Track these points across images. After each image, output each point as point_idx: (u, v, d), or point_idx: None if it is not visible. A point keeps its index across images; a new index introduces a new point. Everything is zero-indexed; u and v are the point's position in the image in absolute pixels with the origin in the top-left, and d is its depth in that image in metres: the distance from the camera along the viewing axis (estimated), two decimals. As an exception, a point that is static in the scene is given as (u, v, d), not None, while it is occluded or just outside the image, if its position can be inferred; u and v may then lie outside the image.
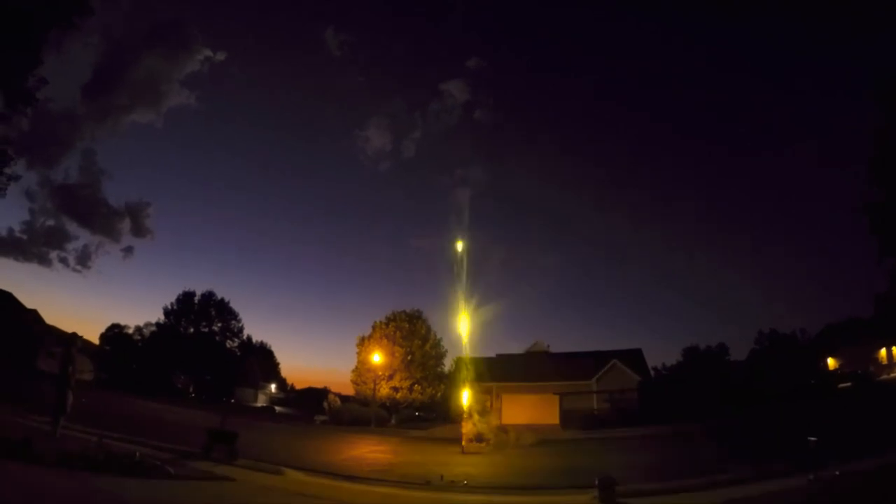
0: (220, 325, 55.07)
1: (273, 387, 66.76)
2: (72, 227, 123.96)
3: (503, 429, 28.80)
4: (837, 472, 10.11)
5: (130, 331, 53.95)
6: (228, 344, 56.10)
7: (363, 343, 41.60)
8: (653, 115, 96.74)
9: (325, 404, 43.91)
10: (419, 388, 40.11)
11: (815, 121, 79.85)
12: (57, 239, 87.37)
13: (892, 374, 33.24)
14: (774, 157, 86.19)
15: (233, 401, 51.10)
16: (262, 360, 64.38)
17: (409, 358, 40.14)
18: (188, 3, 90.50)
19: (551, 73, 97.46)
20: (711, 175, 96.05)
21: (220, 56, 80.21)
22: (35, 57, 15.33)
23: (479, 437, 24.46)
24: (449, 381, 40.50)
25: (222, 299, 54.97)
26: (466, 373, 27.20)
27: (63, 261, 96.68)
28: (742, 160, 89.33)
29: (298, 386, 71.50)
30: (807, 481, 9.85)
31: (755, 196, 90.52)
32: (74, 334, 12.22)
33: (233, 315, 55.42)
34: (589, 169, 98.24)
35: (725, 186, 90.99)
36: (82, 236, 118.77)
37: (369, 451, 20.52)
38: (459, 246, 26.60)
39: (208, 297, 54.54)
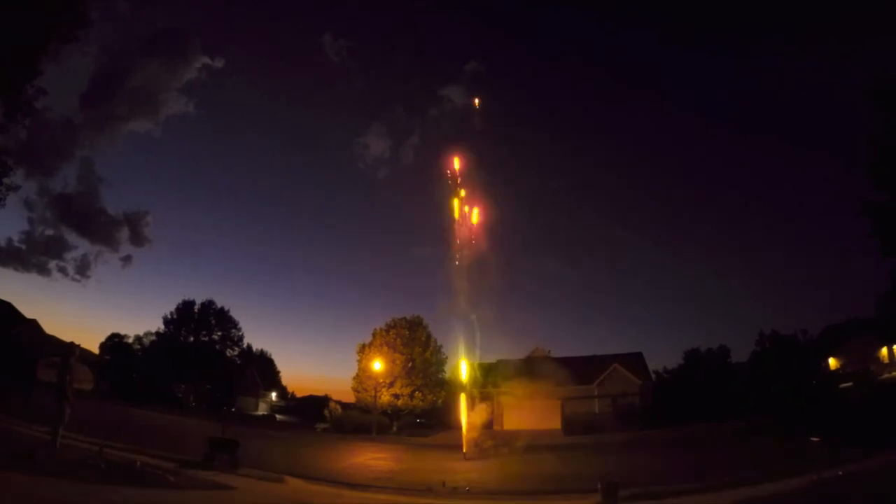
0: (220, 333, 54.86)
1: (274, 395, 66.52)
2: (71, 236, 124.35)
3: (505, 434, 28.69)
4: (840, 473, 10.10)
5: (130, 340, 53.82)
6: (229, 352, 55.86)
7: (364, 350, 41.43)
8: (653, 120, 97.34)
9: (326, 412, 43.68)
10: (420, 394, 39.95)
11: (816, 123, 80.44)
12: (56, 248, 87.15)
13: (893, 373, 33.19)
14: (774, 159, 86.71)
15: (233, 409, 50.78)
16: (262, 369, 64.18)
17: (409, 365, 39.99)
18: (186, 11, 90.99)
19: (551, 76, 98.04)
20: (711, 177, 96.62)
21: (219, 63, 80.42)
22: (33, 67, 15.37)
23: (480, 443, 24.36)
24: (449, 388, 40.33)
25: (222, 308, 54.83)
26: (467, 379, 27.08)
27: (62, 270, 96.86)
28: (742, 162, 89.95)
29: (299, 394, 71.30)
30: (810, 482, 9.84)
31: (755, 197, 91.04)
32: (72, 344, 12.12)
33: (233, 323, 55.26)
34: (589, 173, 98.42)
35: (725, 188, 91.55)
36: (81, 245, 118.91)
37: (371, 458, 20.43)
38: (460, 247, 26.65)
39: (208, 305, 54.41)
